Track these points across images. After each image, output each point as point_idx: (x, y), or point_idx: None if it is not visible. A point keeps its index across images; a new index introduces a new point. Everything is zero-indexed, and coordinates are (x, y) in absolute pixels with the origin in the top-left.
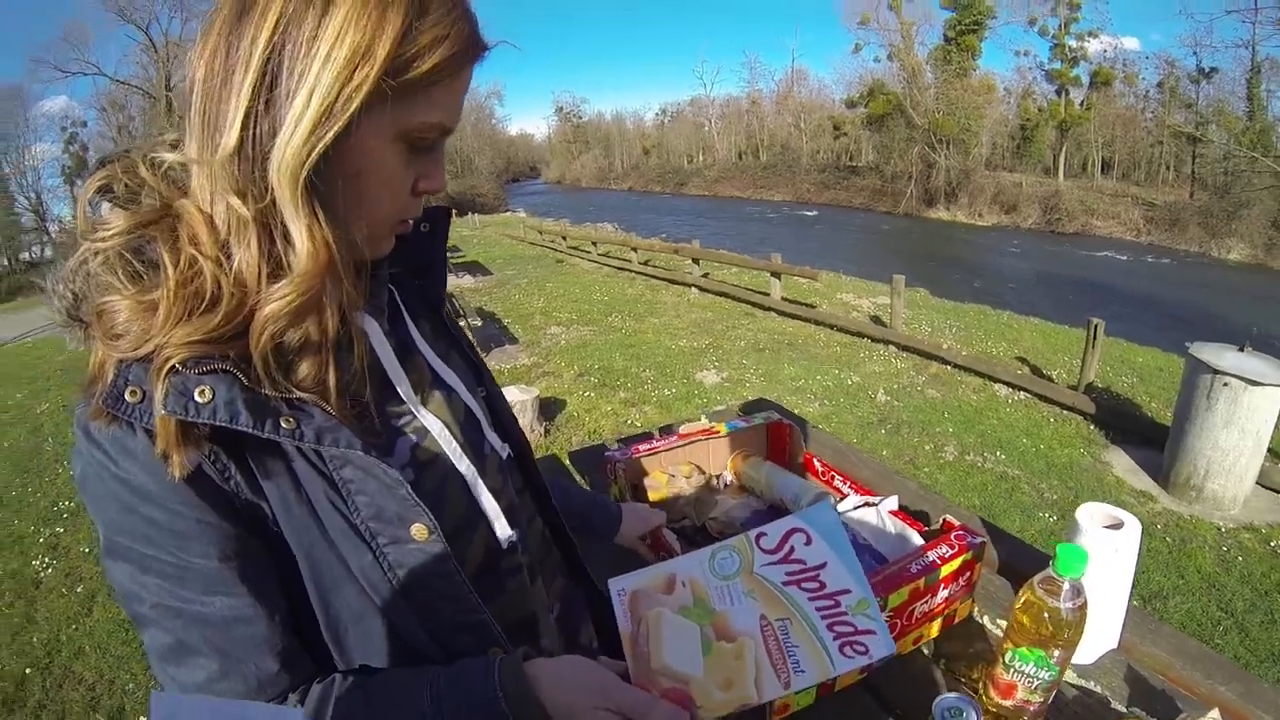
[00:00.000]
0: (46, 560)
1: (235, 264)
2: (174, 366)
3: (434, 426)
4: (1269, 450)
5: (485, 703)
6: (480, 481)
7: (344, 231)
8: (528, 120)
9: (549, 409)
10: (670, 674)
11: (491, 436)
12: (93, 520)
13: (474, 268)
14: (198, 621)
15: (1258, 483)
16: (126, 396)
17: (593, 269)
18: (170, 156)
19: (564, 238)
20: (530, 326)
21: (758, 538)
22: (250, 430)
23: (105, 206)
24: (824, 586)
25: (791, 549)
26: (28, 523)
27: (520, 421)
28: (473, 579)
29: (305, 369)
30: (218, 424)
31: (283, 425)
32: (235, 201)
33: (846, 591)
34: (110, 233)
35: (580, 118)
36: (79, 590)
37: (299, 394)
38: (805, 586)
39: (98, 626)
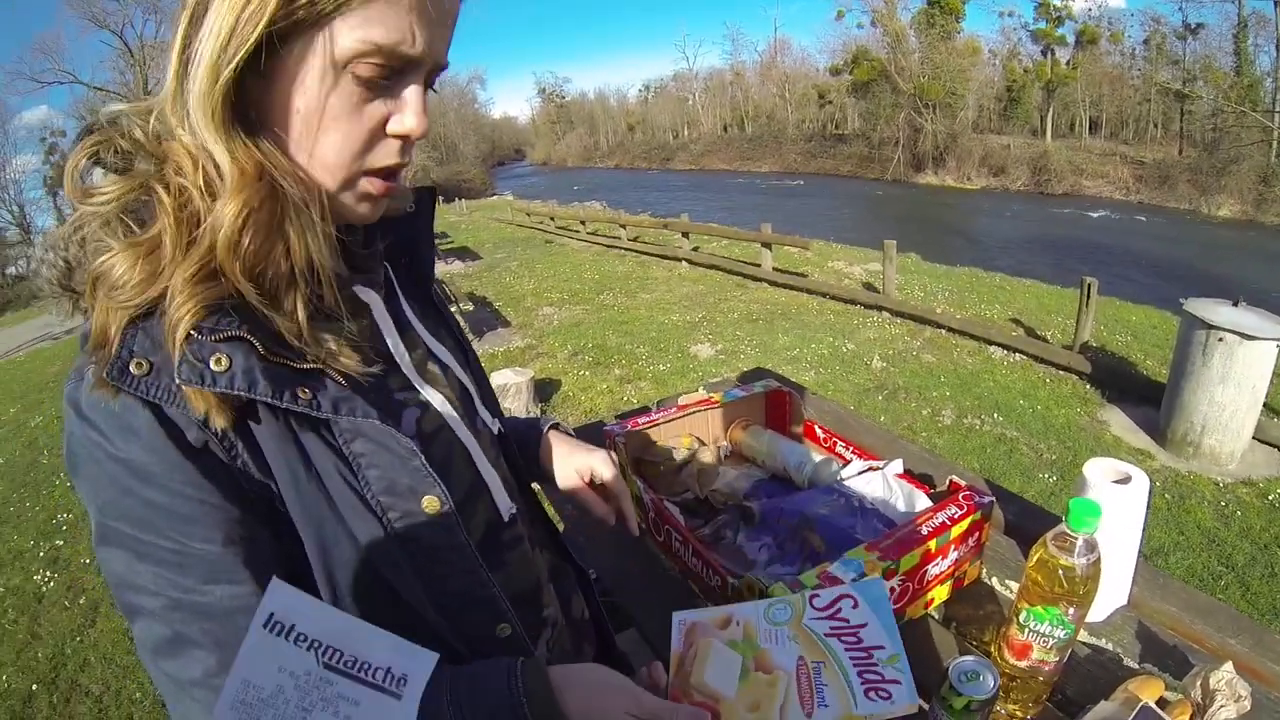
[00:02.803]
0: (48, 574)
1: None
2: (189, 334)
3: (435, 400)
4: (1265, 405)
5: (509, 709)
6: (480, 451)
7: (294, 165)
8: (510, 102)
9: (544, 390)
10: (705, 691)
11: (483, 412)
12: (84, 504)
13: (463, 253)
14: (197, 613)
15: (1254, 438)
16: (132, 369)
17: (582, 248)
18: (122, 106)
19: (552, 218)
20: (522, 309)
21: (811, 598)
22: (269, 400)
23: (98, 173)
24: (861, 641)
25: (839, 609)
26: (27, 538)
27: (516, 403)
28: (478, 550)
29: (289, 304)
30: (235, 393)
31: (300, 395)
32: (185, 136)
33: (881, 648)
34: (107, 196)
35: (563, 97)
36: (81, 602)
37: (309, 364)
38: (845, 639)
39: (102, 638)
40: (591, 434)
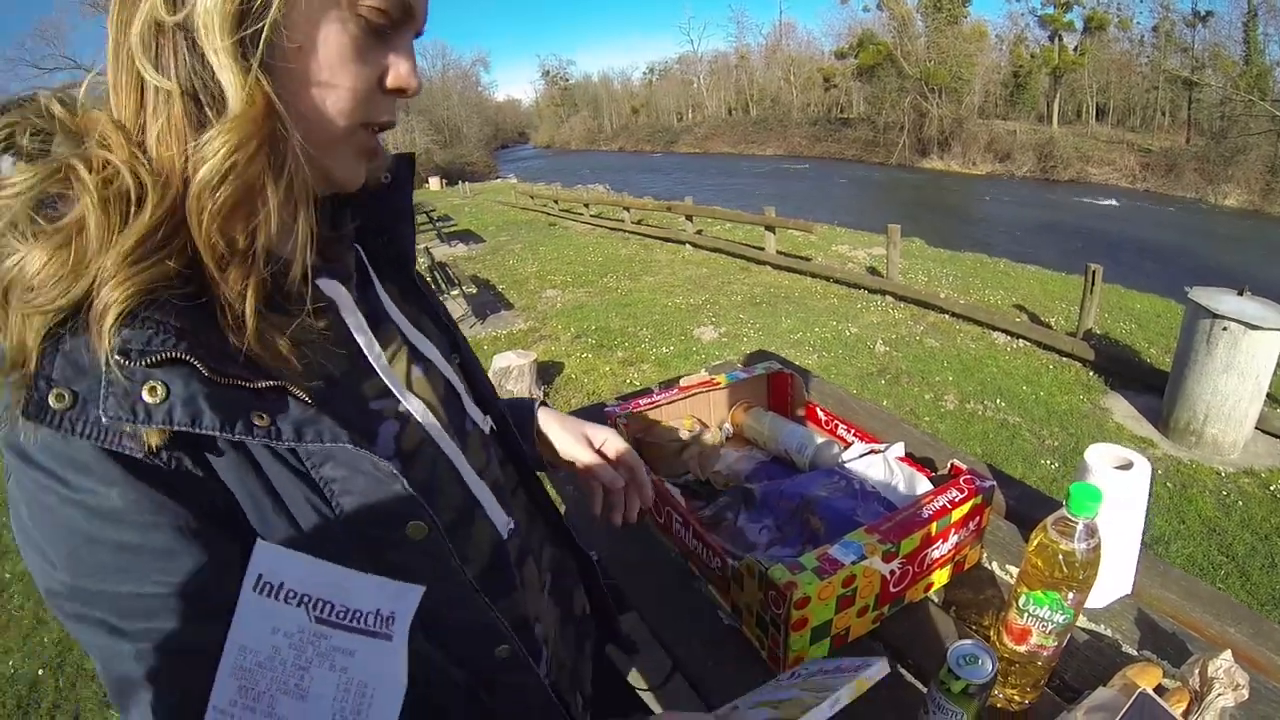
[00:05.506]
0: None
1: (150, 146)
2: (117, 360)
3: (417, 409)
4: (1268, 395)
5: None
6: (467, 465)
7: (304, 109)
8: (514, 85)
9: (547, 372)
10: None
11: (473, 410)
12: (35, 575)
13: (467, 236)
14: (204, 661)
15: (1257, 427)
16: (51, 402)
17: (586, 231)
18: (51, 91)
19: (556, 201)
20: (526, 291)
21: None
22: (219, 434)
23: (7, 162)
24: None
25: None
26: None
27: (519, 386)
28: (480, 576)
29: (240, 295)
30: (176, 428)
31: (256, 423)
32: (153, 75)
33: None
34: (13, 190)
35: (567, 80)
36: None
37: (263, 382)
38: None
39: None
40: (593, 415)
